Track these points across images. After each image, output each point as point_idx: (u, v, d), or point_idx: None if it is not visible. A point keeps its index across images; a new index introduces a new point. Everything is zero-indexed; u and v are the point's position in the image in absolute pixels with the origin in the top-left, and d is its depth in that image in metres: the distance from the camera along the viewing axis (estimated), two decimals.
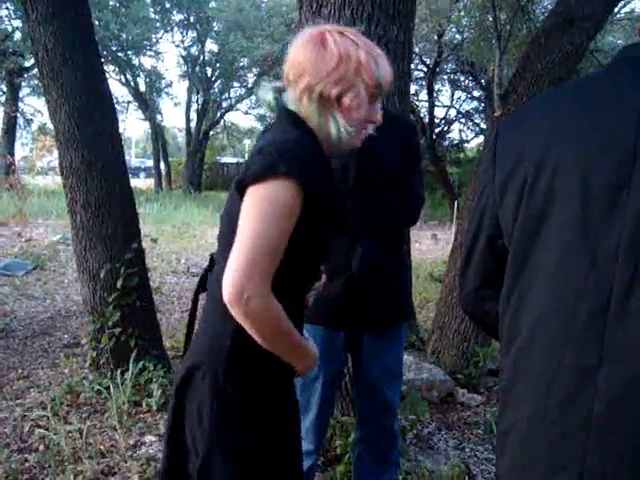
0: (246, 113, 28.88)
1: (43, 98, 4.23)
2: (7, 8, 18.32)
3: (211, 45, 25.79)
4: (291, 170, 1.33)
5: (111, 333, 3.91)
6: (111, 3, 19.66)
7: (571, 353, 1.02)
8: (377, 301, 2.31)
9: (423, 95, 17.71)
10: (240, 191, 1.38)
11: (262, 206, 1.33)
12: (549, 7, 7.83)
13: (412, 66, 4.35)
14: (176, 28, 24.87)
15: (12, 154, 20.64)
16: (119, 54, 22.65)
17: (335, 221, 1.51)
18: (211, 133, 28.91)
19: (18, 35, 18.42)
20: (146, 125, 31.99)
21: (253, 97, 25.80)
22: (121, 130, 4.25)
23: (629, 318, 0.97)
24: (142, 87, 26.12)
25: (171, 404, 1.54)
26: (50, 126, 4.57)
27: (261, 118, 26.62)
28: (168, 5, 23.27)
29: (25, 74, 21.92)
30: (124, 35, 20.58)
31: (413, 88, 16.77)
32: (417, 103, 17.28)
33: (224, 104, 27.80)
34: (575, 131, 1.07)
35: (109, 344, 3.92)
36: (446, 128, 20.56)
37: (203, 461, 1.44)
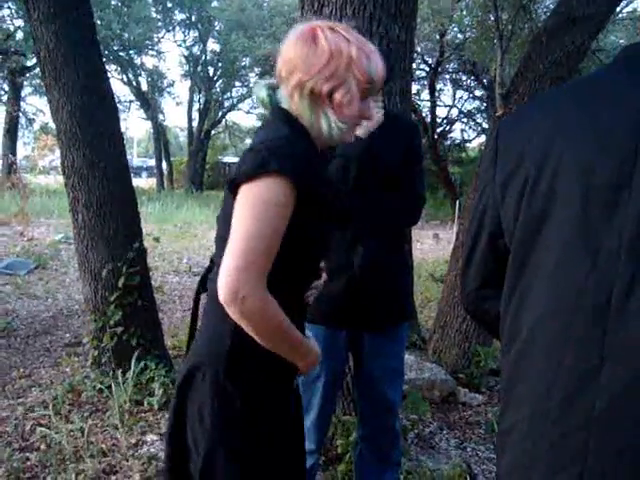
0: (248, 112, 28.95)
1: (45, 97, 4.24)
2: (9, 7, 18.34)
3: (213, 44, 25.87)
4: (282, 167, 1.33)
5: (113, 332, 3.92)
6: (113, 2, 19.67)
7: (572, 353, 1.02)
8: (378, 301, 2.32)
9: (425, 95, 17.75)
10: (233, 190, 1.38)
11: (255, 205, 1.33)
12: (551, 6, 7.82)
13: (414, 65, 4.34)
14: (178, 27, 24.91)
15: (14, 153, 20.69)
16: (121, 53, 22.67)
17: (329, 218, 1.51)
18: (213, 132, 28.95)
19: (20, 34, 18.42)
20: (148, 124, 32.04)
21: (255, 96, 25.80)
22: (123, 129, 4.26)
23: (630, 318, 0.97)
24: (144, 86, 26.18)
25: (172, 403, 1.54)
26: (52, 125, 4.58)
27: (263, 117, 26.55)
28: (170, 4, 23.30)
29: (27, 73, 21.95)
30: (126, 34, 20.57)
31: (415, 87, 16.77)
32: (419, 103, 17.30)
33: (226, 103, 27.85)
34: (575, 131, 1.07)
35: (111, 343, 3.92)
36: (448, 128, 20.59)
37: (204, 461, 1.44)
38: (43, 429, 3.35)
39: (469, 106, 20.36)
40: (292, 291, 1.50)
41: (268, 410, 1.48)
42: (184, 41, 25.54)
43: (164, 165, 28.09)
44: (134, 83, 25.76)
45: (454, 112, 20.10)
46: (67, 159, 3.88)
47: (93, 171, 3.84)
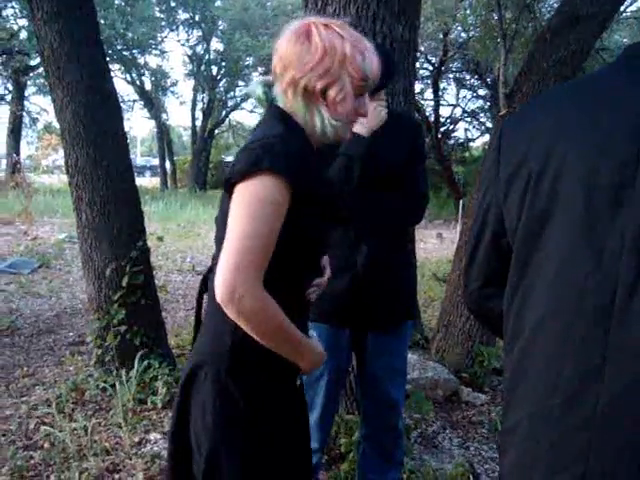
0: (251, 112, 28.91)
1: (49, 97, 4.25)
2: (13, 7, 18.36)
3: (216, 44, 25.83)
4: (275, 165, 1.32)
5: (116, 331, 3.93)
6: (116, 2, 19.66)
7: (574, 353, 1.02)
8: (381, 300, 2.32)
9: (428, 94, 17.75)
10: (228, 190, 1.38)
11: (250, 204, 1.33)
12: (555, 5, 7.81)
13: (417, 65, 4.34)
14: (181, 27, 24.89)
15: (18, 153, 20.74)
16: (124, 53, 22.67)
17: (326, 216, 1.51)
18: (216, 132, 28.98)
19: (24, 34, 18.43)
20: (151, 124, 32.10)
21: None
22: (126, 129, 4.26)
23: (633, 318, 0.96)
24: (147, 86, 26.20)
25: (176, 402, 1.54)
26: (56, 125, 4.59)
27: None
28: (173, 4, 23.30)
29: (31, 73, 21.97)
30: (129, 34, 20.57)
31: (418, 87, 16.79)
32: (422, 102, 17.28)
33: (229, 103, 27.88)
34: (576, 131, 1.07)
35: (114, 342, 3.92)
36: (451, 127, 20.56)
37: (207, 462, 1.44)
38: (47, 428, 3.36)
39: (473, 105, 20.35)
40: (291, 289, 1.49)
41: (270, 409, 1.48)
42: (187, 40, 25.56)
43: (168, 164, 28.12)
44: (138, 82, 25.78)
45: (458, 111, 20.08)
46: (71, 158, 3.89)
47: (97, 170, 3.85)
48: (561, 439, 1.03)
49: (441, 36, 13.52)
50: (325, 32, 1.41)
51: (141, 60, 24.69)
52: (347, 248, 2.27)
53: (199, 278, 1.70)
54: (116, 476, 3.00)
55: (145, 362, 3.89)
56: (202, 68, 25.95)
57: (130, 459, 3.13)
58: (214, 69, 26.21)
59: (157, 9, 23.06)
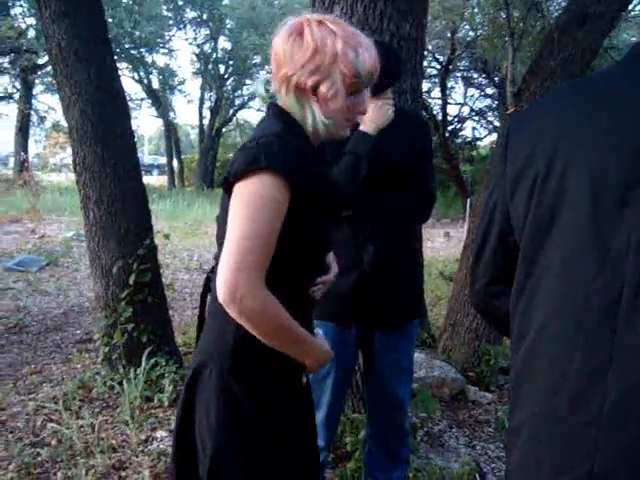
0: (259, 110, 28.85)
1: (57, 95, 4.26)
2: (21, 6, 18.47)
3: (224, 42, 25.89)
4: (273, 164, 1.32)
5: (123, 329, 3.93)
6: (124, 0, 19.73)
7: (580, 352, 1.02)
8: (388, 298, 2.31)
9: (436, 92, 17.70)
10: (227, 189, 1.38)
11: (249, 203, 1.33)
12: (563, 4, 7.78)
13: (425, 63, 4.33)
14: (189, 25, 24.96)
15: (26, 151, 20.81)
16: (132, 51, 22.74)
17: (328, 214, 1.50)
18: (224, 130, 29.02)
19: (32, 33, 18.52)
20: (159, 122, 32.20)
21: None
22: (134, 127, 4.26)
23: (639, 318, 0.96)
24: (155, 84, 26.28)
25: (181, 400, 1.54)
26: (64, 123, 4.60)
27: None
28: (181, 2, 23.36)
29: (39, 71, 22.06)
30: (137, 32, 20.63)
31: (426, 85, 16.76)
32: (430, 100, 17.24)
33: (237, 101, 27.92)
34: (584, 130, 1.06)
35: (121, 340, 3.94)
36: (459, 126, 20.51)
37: (212, 462, 1.44)
38: (54, 425, 3.37)
39: (480, 104, 20.26)
40: (294, 288, 1.49)
41: (274, 408, 1.48)
42: (195, 39, 25.63)
43: (175, 163, 28.20)
44: (145, 81, 25.85)
45: (465, 110, 20.02)
46: (78, 156, 3.90)
47: (104, 168, 3.86)
48: (567, 438, 1.03)
49: (449, 34, 13.49)
50: (317, 29, 1.41)
51: (149, 59, 24.80)
52: (354, 247, 2.26)
53: None
54: (122, 473, 3.01)
55: (152, 360, 3.90)
56: (210, 67, 26.00)
57: (137, 456, 3.14)
58: (222, 68, 26.26)
59: (165, 8, 23.13)
